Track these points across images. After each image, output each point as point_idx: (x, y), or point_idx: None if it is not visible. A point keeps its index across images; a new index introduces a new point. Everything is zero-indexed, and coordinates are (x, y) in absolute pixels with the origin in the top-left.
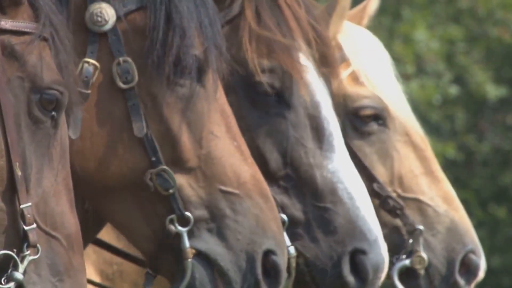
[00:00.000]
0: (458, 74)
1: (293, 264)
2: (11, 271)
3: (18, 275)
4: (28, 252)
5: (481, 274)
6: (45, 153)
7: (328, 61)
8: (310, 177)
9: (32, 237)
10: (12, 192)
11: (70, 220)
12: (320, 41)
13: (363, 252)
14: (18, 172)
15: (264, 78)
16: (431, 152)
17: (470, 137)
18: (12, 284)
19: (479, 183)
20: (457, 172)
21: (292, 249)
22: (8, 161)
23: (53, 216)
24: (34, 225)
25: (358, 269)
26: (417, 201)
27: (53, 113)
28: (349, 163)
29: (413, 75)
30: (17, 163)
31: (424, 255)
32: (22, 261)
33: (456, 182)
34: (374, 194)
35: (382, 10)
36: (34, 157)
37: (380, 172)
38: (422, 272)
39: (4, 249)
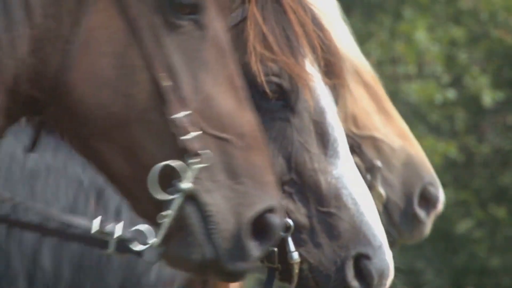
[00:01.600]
0: (458, 75)
1: (296, 270)
2: (175, 182)
3: (183, 185)
4: (191, 161)
5: (441, 206)
6: (196, 57)
7: (334, 70)
8: (315, 182)
9: (192, 146)
10: (163, 104)
11: (241, 119)
12: (326, 49)
13: (367, 257)
14: (165, 83)
15: (268, 81)
16: (382, 90)
17: (470, 137)
18: (178, 195)
19: (479, 184)
20: (457, 172)
21: (295, 255)
22: (151, 74)
23: (220, 118)
24: (192, 134)
25: (362, 274)
26: (372, 138)
27: (193, 16)
28: (354, 169)
29: (414, 75)
30: (162, 74)
31: (382, 191)
32: (186, 171)
33: (456, 182)
34: None
35: (383, 10)
36: (182, 63)
37: None
38: (380, 208)
39: (165, 161)
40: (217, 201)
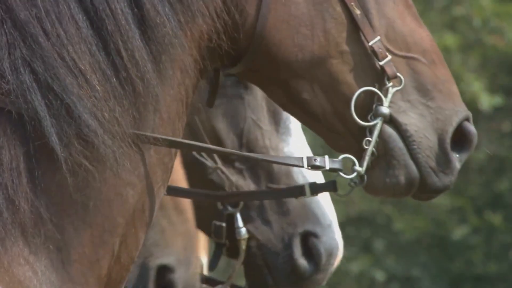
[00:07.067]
0: None
1: (243, 247)
2: (376, 107)
3: (384, 109)
4: (390, 84)
5: None
6: None
7: None
8: None
9: (389, 69)
10: (356, 32)
11: (421, 35)
12: None
13: (315, 235)
14: (357, 11)
15: None
16: None
17: None
18: (378, 119)
19: (474, 190)
20: None
21: (243, 231)
22: (344, 4)
23: (404, 38)
24: (389, 57)
25: (311, 253)
26: None
27: None
28: (305, 148)
29: None
30: (352, 3)
31: None
32: (385, 95)
33: (452, 189)
34: None
35: None
36: None
37: None
38: None
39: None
40: (413, 120)
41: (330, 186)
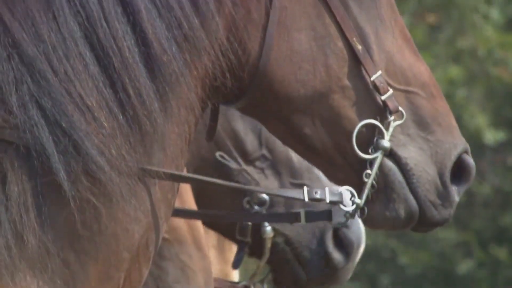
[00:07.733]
0: (457, 115)
1: (268, 245)
2: (377, 140)
3: (385, 143)
4: (392, 118)
5: None
6: (375, 15)
7: None
8: (286, 156)
9: (391, 104)
10: (358, 67)
11: (419, 69)
12: None
13: (345, 226)
14: (359, 47)
15: None
16: None
17: None
18: (379, 152)
19: (479, 224)
20: (458, 213)
21: (269, 230)
22: (345, 40)
23: (403, 72)
24: (390, 91)
25: (342, 244)
26: None
27: None
28: None
29: None
30: (354, 38)
31: None
32: (387, 129)
33: (457, 223)
34: None
35: None
36: (367, 24)
37: None
38: None
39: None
40: (413, 154)
41: (326, 215)
